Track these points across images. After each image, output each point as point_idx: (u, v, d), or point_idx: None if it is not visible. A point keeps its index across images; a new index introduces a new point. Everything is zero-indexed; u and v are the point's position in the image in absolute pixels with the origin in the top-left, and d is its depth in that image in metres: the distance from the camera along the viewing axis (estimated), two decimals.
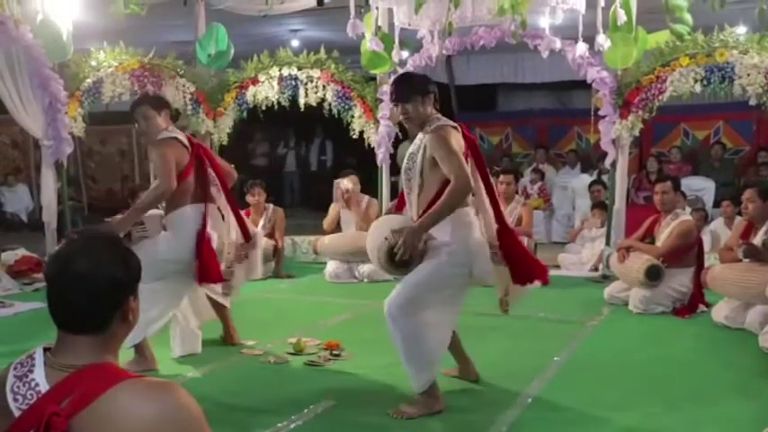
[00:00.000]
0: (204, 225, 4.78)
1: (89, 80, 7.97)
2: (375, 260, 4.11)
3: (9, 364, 1.73)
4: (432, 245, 3.95)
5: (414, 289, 3.95)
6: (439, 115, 4.03)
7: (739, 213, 8.50)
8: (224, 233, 5.01)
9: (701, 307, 6.19)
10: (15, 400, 1.67)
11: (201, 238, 4.73)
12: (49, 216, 7.84)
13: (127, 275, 1.75)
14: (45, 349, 1.74)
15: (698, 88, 7.06)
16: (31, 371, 1.69)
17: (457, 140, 3.92)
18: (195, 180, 4.82)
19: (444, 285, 3.99)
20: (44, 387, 1.66)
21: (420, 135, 4.03)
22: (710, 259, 6.88)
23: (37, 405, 1.63)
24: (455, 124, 4.02)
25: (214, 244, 4.82)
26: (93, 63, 8.00)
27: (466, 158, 3.93)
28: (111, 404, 1.61)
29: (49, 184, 7.85)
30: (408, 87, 4.05)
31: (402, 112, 4.05)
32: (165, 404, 1.63)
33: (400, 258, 3.85)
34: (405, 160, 4.13)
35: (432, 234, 3.93)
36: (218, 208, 5.02)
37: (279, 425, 3.80)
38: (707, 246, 7.21)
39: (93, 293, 1.69)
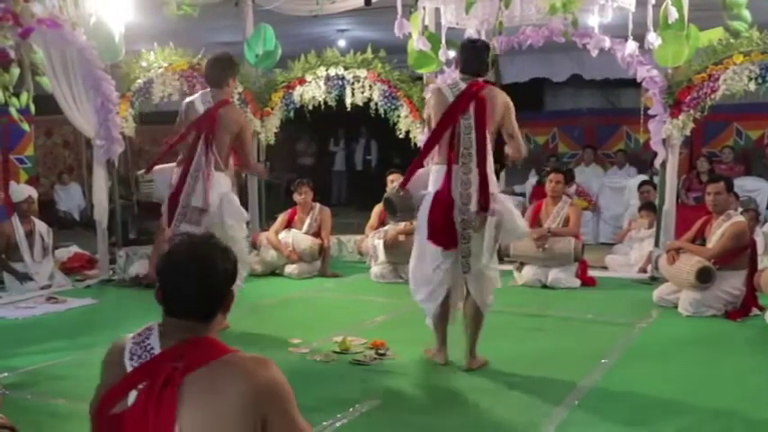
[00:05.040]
0: (177, 186, 5.43)
1: (140, 81, 8.08)
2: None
3: (126, 336, 2.06)
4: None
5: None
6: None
7: None
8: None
9: (754, 310, 6.05)
10: (131, 359, 1.98)
11: (169, 199, 5.50)
12: (101, 214, 7.98)
13: (232, 267, 2.08)
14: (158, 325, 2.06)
15: (752, 87, 6.90)
16: (147, 338, 2.01)
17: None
18: (193, 143, 5.40)
19: None
20: (158, 350, 1.98)
21: None
22: (764, 261, 6.73)
23: (151, 362, 1.95)
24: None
25: (187, 202, 5.38)
26: (144, 64, 8.12)
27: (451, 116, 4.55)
28: (220, 370, 1.92)
29: (101, 182, 7.99)
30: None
31: None
32: (266, 377, 1.94)
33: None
34: None
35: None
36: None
37: (324, 423, 3.81)
38: (760, 248, 7.04)
39: (207, 284, 2.01)
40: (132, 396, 1.93)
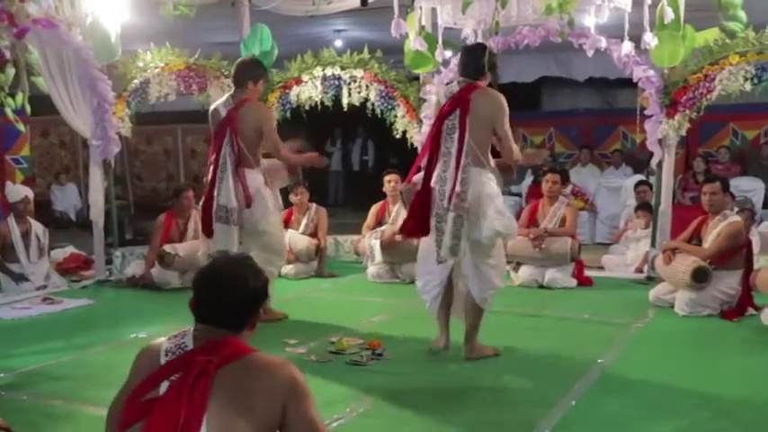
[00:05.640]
0: (209, 186, 5.70)
1: (136, 81, 8.07)
2: None
3: (159, 339, 2.27)
4: None
5: None
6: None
7: None
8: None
9: (750, 310, 6.06)
10: (166, 355, 2.17)
11: (204, 199, 5.78)
12: (97, 214, 7.97)
13: (262, 286, 2.31)
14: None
15: (748, 87, 6.91)
16: (183, 338, 2.22)
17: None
18: (217, 146, 5.66)
19: None
20: (191, 347, 2.18)
21: None
22: (760, 261, 6.74)
23: (184, 356, 2.15)
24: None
25: (218, 203, 5.63)
26: (141, 64, 8.10)
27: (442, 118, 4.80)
28: (247, 366, 2.13)
29: (97, 183, 7.97)
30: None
31: None
32: (288, 374, 2.16)
33: None
34: None
35: None
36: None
37: None
38: (756, 248, 7.06)
39: (235, 300, 2.23)
40: (164, 386, 2.10)
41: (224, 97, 5.86)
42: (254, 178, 5.71)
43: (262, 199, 5.73)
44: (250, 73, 5.75)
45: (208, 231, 5.77)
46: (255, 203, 5.68)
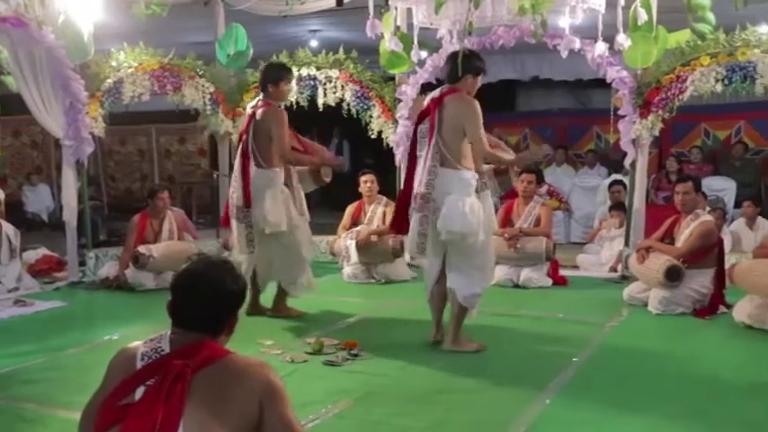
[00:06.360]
0: (231, 182, 6.06)
1: (109, 80, 7.99)
2: None
3: (135, 343, 2.23)
4: None
5: None
6: None
7: (761, 214, 8.47)
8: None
9: (722, 308, 6.14)
10: (142, 359, 2.14)
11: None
12: (70, 215, 7.88)
13: (240, 290, 2.28)
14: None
15: (719, 88, 7.00)
16: (159, 342, 2.19)
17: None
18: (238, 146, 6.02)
19: None
20: (167, 351, 2.15)
21: None
22: (731, 260, 6.82)
23: (160, 360, 2.12)
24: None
25: (232, 201, 5.94)
26: (114, 64, 8.03)
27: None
28: (224, 369, 2.11)
29: (70, 183, 7.89)
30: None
31: None
32: (264, 375, 2.14)
33: None
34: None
35: None
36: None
37: None
38: (727, 246, 7.14)
39: (212, 305, 2.21)
40: (140, 391, 2.07)
41: (254, 100, 6.08)
42: (262, 178, 5.79)
43: (261, 199, 5.76)
44: (269, 76, 5.94)
45: (225, 224, 6.28)
46: (254, 203, 5.77)
